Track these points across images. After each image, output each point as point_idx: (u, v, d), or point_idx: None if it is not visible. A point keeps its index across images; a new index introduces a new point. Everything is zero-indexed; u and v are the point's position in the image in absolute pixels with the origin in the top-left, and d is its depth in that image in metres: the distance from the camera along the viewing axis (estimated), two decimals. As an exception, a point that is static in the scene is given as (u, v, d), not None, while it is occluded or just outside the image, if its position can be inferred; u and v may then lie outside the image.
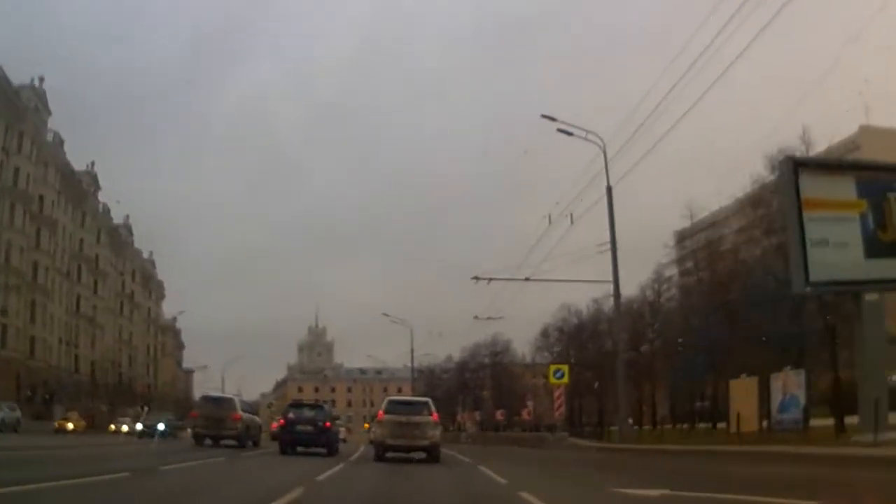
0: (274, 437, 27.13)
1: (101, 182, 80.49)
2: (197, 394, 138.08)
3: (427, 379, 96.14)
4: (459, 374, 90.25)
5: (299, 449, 21.24)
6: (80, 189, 74.78)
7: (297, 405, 23.99)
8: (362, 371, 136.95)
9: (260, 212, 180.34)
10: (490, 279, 28.45)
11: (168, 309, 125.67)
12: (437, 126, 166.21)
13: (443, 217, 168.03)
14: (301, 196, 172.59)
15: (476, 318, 32.98)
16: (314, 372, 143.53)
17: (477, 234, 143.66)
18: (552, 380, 30.49)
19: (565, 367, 30.93)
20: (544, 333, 74.21)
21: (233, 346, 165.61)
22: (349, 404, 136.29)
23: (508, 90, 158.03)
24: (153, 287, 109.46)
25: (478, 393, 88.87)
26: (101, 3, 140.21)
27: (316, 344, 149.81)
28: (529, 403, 70.56)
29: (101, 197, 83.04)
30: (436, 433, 18.94)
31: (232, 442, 24.01)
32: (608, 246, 26.05)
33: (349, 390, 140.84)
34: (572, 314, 62.92)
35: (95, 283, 78.58)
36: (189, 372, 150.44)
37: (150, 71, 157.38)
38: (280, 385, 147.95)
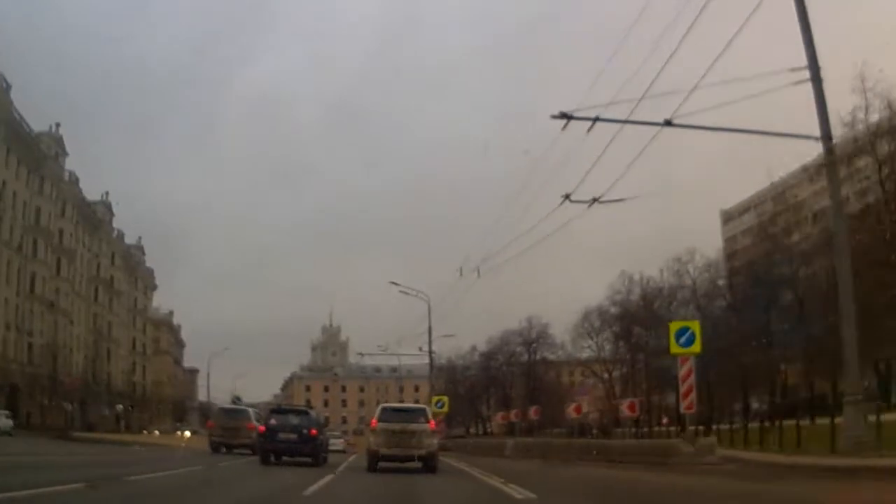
0: None
1: (107, 181, 69.43)
2: (201, 396, 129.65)
3: (448, 375, 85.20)
4: (485, 367, 78.09)
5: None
6: (36, 150, 63.09)
7: (280, 411, 22.49)
8: (376, 369, 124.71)
9: (271, 210, 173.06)
10: (595, 119, 15.19)
11: (176, 309, 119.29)
12: (451, 121, 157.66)
13: (459, 213, 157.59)
14: (312, 193, 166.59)
15: (570, 199, 17.02)
16: (323, 370, 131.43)
17: (494, 229, 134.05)
18: (674, 348, 18.04)
19: (695, 325, 18.39)
20: (587, 317, 62.16)
21: (244, 346, 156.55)
22: (361, 404, 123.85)
23: (524, 84, 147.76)
24: (140, 275, 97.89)
25: (508, 390, 76.51)
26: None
27: (330, 343, 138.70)
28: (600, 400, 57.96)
29: (73, 167, 71.88)
30: (432, 442, 18.23)
31: (246, 451, 25.07)
32: (804, 73, 13.62)
33: (361, 389, 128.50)
34: (635, 284, 50.53)
35: (58, 261, 66.83)
36: (192, 372, 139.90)
37: (155, 66, 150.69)
38: (287, 385, 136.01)
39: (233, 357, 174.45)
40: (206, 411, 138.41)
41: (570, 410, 47.23)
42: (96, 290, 77.81)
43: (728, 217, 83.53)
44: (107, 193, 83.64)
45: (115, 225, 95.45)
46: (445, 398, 42.28)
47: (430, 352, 45.77)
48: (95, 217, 79.20)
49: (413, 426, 17.88)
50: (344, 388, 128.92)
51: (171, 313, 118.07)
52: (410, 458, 18.00)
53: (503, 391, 76.64)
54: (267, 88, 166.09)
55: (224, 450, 25.98)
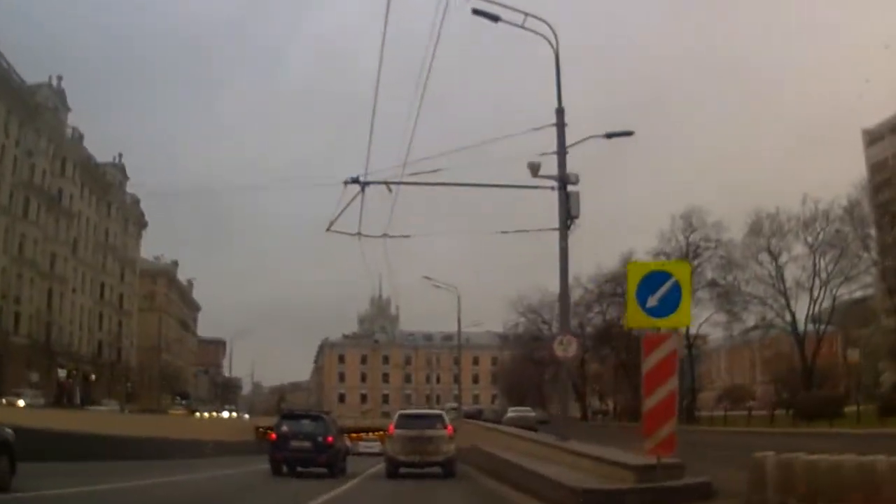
0: None
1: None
2: (230, 372, 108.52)
3: (516, 341, 61.59)
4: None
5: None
6: None
7: (293, 416, 21.15)
8: (427, 336, 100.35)
9: (334, 172, 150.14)
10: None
11: (218, 281, 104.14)
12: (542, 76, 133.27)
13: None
14: (381, 154, 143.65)
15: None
16: (361, 337, 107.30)
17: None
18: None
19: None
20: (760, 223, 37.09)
21: (288, 322, 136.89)
22: (407, 380, 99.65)
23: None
24: (118, 203, 74.70)
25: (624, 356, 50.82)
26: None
27: (378, 317, 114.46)
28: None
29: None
30: (451, 447, 18.96)
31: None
32: None
33: (408, 361, 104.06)
34: None
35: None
36: (216, 343, 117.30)
37: (213, 15, 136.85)
38: (318, 356, 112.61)
39: (276, 335, 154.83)
40: (230, 390, 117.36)
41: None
42: (26, 201, 54.35)
43: (873, 138, 63.53)
44: (59, 78, 60.39)
45: (127, 185, 75.39)
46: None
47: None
48: (34, 102, 55.78)
49: (430, 432, 18.69)
50: (386, 360, 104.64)
51: (174, 263, 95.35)
52: (430, 465, 18.76)
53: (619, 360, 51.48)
54: (331, 39, 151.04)
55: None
